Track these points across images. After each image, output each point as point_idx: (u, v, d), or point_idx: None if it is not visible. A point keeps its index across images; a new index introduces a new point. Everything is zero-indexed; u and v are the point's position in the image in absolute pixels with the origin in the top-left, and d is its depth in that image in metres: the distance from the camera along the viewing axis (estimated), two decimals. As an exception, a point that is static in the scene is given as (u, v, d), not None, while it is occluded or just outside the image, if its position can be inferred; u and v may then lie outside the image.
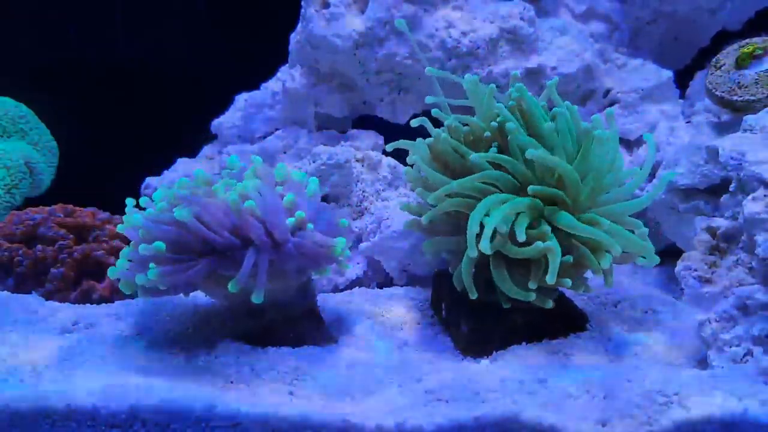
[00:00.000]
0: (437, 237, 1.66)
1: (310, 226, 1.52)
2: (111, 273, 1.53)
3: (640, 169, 1.63)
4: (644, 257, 1.57)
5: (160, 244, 1.45)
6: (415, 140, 1.72)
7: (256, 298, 1.45)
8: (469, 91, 1.72)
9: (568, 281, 1.50)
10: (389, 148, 1.78)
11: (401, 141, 1.75)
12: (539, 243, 1.48)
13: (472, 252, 1.48)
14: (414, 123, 1.76)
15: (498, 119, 1.61)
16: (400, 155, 2.12)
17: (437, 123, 1.73)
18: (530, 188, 1.53)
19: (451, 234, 1.64)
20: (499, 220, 1.47)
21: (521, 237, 1.46)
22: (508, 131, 1.57)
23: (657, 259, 1.56)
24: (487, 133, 1.63)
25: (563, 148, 1.57)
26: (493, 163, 1.58)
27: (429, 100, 1.76)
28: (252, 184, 1.51)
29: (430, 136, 1.69)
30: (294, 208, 1.54)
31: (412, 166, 1.73)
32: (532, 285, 1.50)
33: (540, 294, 1.54)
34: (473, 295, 1.53)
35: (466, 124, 1.68)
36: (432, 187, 1.63)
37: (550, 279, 1.45)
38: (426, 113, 1.78)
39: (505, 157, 1.58)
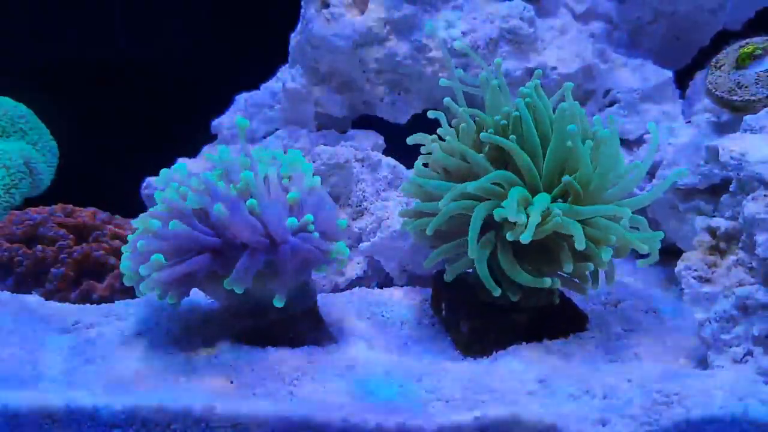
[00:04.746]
0: (442, 246, 1.64)
1: (312, 227, 1.52)
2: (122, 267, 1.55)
3: (641, 162, 1.62)
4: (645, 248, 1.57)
5: (159, 256, 1.45)
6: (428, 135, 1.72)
7: (278, 302, 1.47)
8: (483, 84, 1.73)
9: (590, 265, 1.50)
10: (410, 141, 1.75)
11: (418, 135, 1.74)
12: (556, 218, 1.46)
13: (472, 253, 1.48)
14: (431, 114, 1.75)
15: (513, 113, 1.62)
16: (401, 155, 2.12)
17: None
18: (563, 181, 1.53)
19: (454, 237, 1.63)
20: (537, 210, 1.46)
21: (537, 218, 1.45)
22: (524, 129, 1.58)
23: (656, 254, 1.57)
24: (491, 129, 1.63)
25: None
26: (499, 162, 1.58)
27: (443, 83, 1.76)
28: (254, 182, 1.51)
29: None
30: (297, 206, 1.54)
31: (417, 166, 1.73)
32: (567, 268, 1.48)
33: (543, 292, 1.54)
34: (496, 293, 1.52)
35: (475, 118, 1.68)
36: (433, 197, 1.62)
37: (579, 245, 1.43)
38: (426, 113, 1.78)
39: (517, 149, 1.57)
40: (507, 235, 1.48)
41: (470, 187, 1.54)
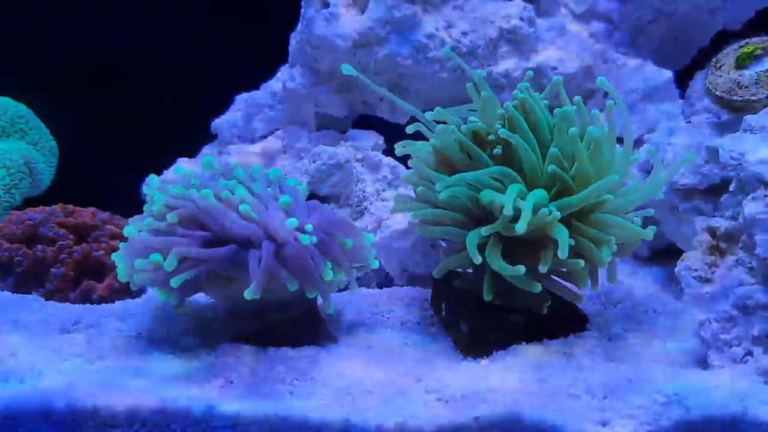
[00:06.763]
0: (453, 256, 1.63)
1: (310, 228, 1.52)
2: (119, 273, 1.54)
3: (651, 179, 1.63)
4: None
5: (158, 256, 1.45)
6: (415, 141, 1.71)
7: (248, 295, 1.45)
8: (471, 92, 1.72)
9: (581, 262, 1.50)
10: (399, 153, 1.76)
11: (406, 142, 1.74)
12: (544, 210, 1.47)
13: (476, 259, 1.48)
14: (409, 129, 1.75)
15: (504, 116, 1.61)
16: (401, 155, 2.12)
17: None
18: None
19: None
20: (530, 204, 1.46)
21: (528, 212, 1.45)
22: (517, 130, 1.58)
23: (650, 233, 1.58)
24: (491, 136, 1.62)
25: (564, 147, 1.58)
26: (504, 159, 1.58)
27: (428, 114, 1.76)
28: (249, 188, 1.52)
29: (427, 139, 1.69)
30: (289, 210, 1.55)
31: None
32: (542, 268, 1.48)
33: (541, 293, 1.54)
34: (477, 260, 1.49)
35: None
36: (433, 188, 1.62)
37: (562, 253, 1.43)
38: (426, 113, 1.78)
39: (525, 146, 1.57)
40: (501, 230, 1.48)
41: (468, 176, 1.54)
